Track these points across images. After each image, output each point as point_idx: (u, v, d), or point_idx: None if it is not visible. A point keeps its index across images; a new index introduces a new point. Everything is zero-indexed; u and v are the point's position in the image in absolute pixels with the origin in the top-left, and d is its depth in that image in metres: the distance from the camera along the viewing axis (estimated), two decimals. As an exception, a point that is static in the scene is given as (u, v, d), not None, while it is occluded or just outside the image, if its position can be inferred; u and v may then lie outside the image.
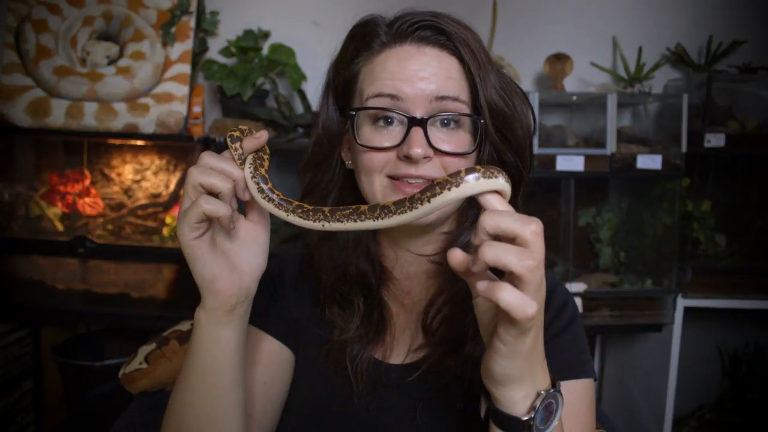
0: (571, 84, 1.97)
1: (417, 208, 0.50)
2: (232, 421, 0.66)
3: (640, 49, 1.90)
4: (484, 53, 0.72)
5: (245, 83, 1.82)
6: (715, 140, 1.77)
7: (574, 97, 1.88)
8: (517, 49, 1.99)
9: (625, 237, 1.94)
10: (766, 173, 1.88)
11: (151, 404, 1.13)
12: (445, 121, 0.69)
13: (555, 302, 0.75)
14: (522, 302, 0.45)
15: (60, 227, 1.85)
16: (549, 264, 1.82)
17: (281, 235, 1.89)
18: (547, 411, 0.53)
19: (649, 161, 1.75)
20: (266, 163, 0.60)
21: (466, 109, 0.70)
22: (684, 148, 1.77)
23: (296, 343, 0.81)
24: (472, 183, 0.49)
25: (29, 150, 1.91)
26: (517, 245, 0.46)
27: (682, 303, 1.80)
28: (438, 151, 0.68)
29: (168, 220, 1.84)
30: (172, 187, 1.88)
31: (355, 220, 0.53)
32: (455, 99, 0.69)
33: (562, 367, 0.70)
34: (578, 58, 1.90)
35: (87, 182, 1.85)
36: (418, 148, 0.66)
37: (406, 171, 0.68)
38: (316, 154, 0.78)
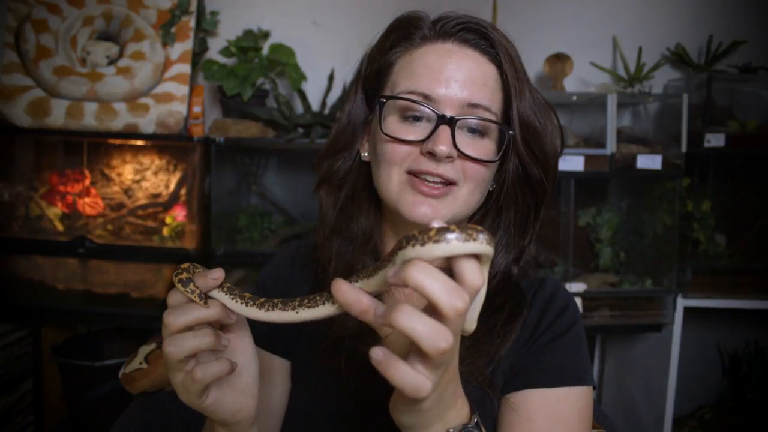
0: (571, 84, 1.97)
1: (383, 268, 0.46)
2: None
3: (640, 49, 1.90)
4: (522, 67, 0.72)
5: (245, 83, 1.82)
6: (715, 140, 1.77)
7: (574, 97, 1.88)
8: (517, 48, 1.99)
9: (625, 237, 1.94)
10: (766, 173, 1.88)
11: (151, 404, 1.13)
12: (473, 128, 0.69)
13: (555, 306, 0.75)
14: (415, 383, 0.42)
15: (60, 227, 1.85)
16: (549, 264, 1.82)
17: (280, 235, 1.89)
18: None
19: (649, 161, 1.75)
20: (237, 288, 0.57)
21: (494, 118, 0.70)
22: (684, 148, 1.77)
23: (291, 347, 0.80)
24: (443, 245, 0.41)
25: (29, 150, 1.91)
26: (436, 315, 0.41)
27: (682, 303, 1.80)
28: (462, 154, 0.68)
29: (168, 220, 1.84)
30: (172, 187, 1.88)
31: (362, 278, 0.51)
32: (486, 109, 0.69)
33: (555, 373, 0.70)
34: (578, 58, 1.90)
35: (87, 182, 1.85)
36: (443, 146, 0.66)
37: (427, 167, 0.68)
38: (338, 142, 0.77)
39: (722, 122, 1.84)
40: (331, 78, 1.86)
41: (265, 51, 1.91)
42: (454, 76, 0.68)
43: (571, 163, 1.73)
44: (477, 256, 0.44)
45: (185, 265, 0.57)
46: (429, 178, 0.68)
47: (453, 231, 0.42)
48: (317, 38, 2.00)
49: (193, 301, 0.54)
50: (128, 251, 1.82)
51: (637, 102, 1.96)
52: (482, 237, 0.42)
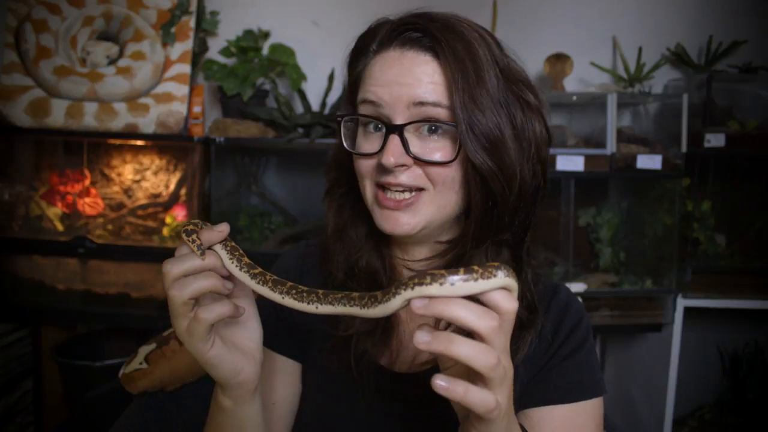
0: (571, 84, 1.97)
1: (400, 293, 0.48)
2: None
3: (640, 49, 1.90)
4: (479, 58, 0.65)
5: (245, 83, 1.82)
6: (715, 140, 1.77)
7: (574, 97, 1.88)
8: (517, 49, 1.97)
9: (625, 237, 1.94)
10: (766, 173, 1.88)
11: (151, 404, 1.13)
12: (433, 128, 0.66)
13: (569, 321, 0.74)
14: (482, 399, 0.46)
15: (60, 227, 1.85)
16: (549, 264, 1.82)
17: (280, 235, 1.89)
18: None
19: (649, 161, 1.75)
20: (241, 250, 0.59)
21: (446, 115, 0.65)
22: (684, 148, 1.77)
23: (302, 349, 0.80)
24: (467, 284, 0.46)
25: (29, 150, 1.91)
26: (476, 339, 0.46)
27: (682, 303, 1.80)
28: (417, 160, 0.66)
29: (168, 220, 1.84)
30: (172, 187, 1.88)
31: (345, 305, 0.53)
32: (435, 104, 0.65)
33: (575, 388, 0.71)
34: (578, 58, 1.90)
35: (87, 182, 1.85)
36: (390, 157, 0.65)
37: (386, 179, 0.67)
38: (338, 153, 0.78)
39: (722, 122, 1.84)
40: (331, 78, 1.86)
41: (265, 51, 1.91)
42: (396, 81, 0.66)
43: (571, 163, 1.73)
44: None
45: (195, 221, 0.60)
46: (393, 187, 0.67)
47: (476, 271, 0.46)
48: (317, 38, 2.00)
49: (193, 251, 0.57)
50: (128, 251, 1.82)
51: (637, 102, 1.96)
52: (501, 273, 0.47)
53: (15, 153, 1.90)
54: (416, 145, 0.66)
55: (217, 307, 0.56)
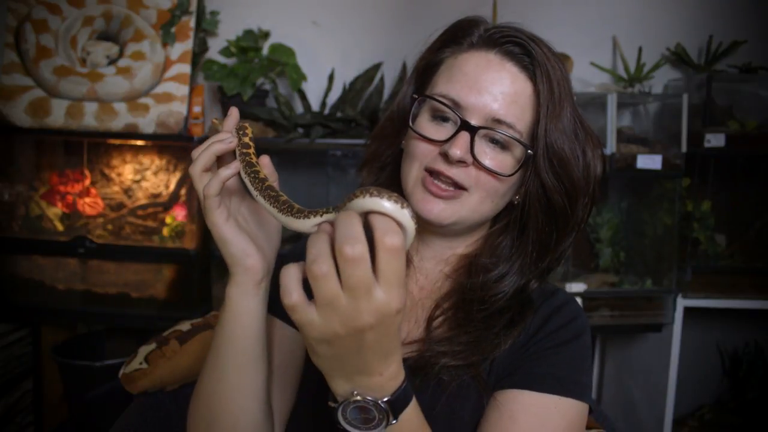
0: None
1: (309, 218, 0.54)
2: (258, 392, 0.69)
3: (640, 49, 1.90)
4: (563, 89, 0.72)
5: (245, 83, 1.82)
6: (715, 140, 1.77)
7: (575, 97, 1.88)
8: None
9: (625, 237, 1.94)
10: (766, 173, 1.88)
11: (151, 404, 1.13)
12: (496, 139, 0.71)
13: (561, 317, 0.75)
14: (285, 284, 0.47)
15: (60, 227, 1.85)
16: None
17: (281, 235, 1.89)
18: (364, 413, 0.53)
19: (649, 161, 1.75)
20: (249, 131, 0.66)
21: (518, 136, 0.71)
22: (684, 148, 1.77)
23: None
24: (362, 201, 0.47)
25: (29, 150, 1.91)
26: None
27: (682, 303, 1.80)
28: (476, 162, 0.70)
29: (168, 220, 1.84)
30: (172, 187, 1.88)
31: (271, 204, 0.59)
32: (510, 126, 0.70)
33: (547, 380, 0.69)
34: (578, 58, 1.90)
35: (87, 182, 1.85)
36: (457, 150, 0.69)
37: (440, 167, 0.71)
38: (386, 128, 0.82)
39: (722, 122, 1.84)
40: (331, 78, 1.86)
41: (265, 51, 1.91)
42: (487, 88, 0.71)
43: (571, 163, 1.72)
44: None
45: (246, 127, 0.67)
46: (442, 177, 0.71)
47: (373, 194, 0.47)
48: (317, 38, 2.00)
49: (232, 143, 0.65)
50: (128, 251, 1.82)
51: (637, 102, 1.96)
52: (385, 198, 0.47)
53: (15, 153, 1.90)
54: (479, 150, 0.70)
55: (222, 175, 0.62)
